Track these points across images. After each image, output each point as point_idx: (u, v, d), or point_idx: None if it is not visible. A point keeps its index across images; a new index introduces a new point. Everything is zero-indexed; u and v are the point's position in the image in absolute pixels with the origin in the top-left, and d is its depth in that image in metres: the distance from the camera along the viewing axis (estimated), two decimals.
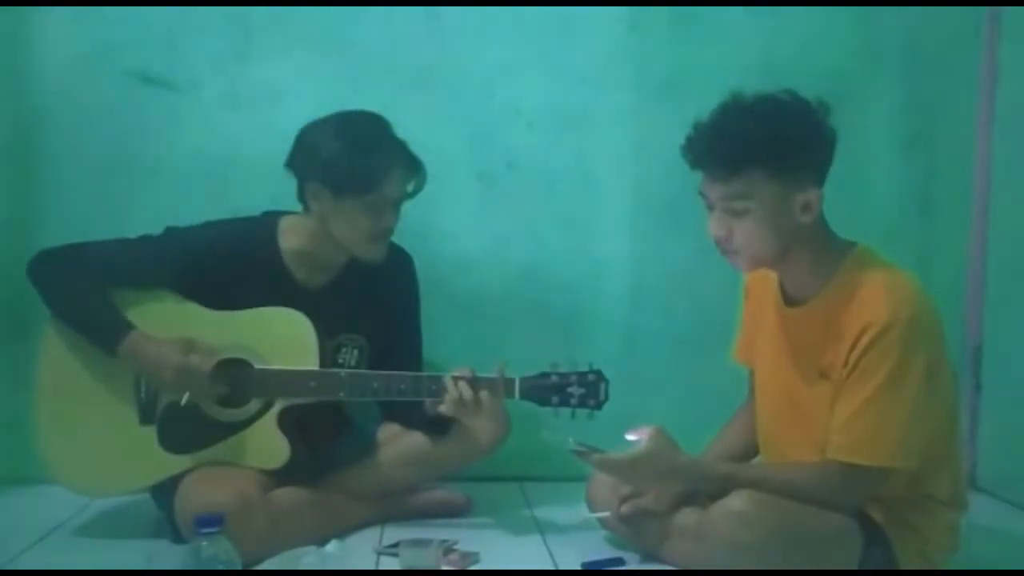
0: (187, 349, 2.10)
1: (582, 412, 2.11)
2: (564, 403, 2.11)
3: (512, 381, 2.11)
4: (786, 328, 1.97)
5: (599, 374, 2.12)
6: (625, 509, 2.07)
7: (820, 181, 1.86)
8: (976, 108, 2.75)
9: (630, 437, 1.94)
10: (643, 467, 1.93)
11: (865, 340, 1.79)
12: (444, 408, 2.10)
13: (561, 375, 2.12)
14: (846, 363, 1.82)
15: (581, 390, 2.11)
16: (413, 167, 2.22)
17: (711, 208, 1.88)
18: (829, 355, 1.86)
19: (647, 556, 2.08)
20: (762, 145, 1.79)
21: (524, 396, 2.12)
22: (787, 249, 1.87)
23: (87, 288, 2.14)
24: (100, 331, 2.13)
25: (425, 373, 2.17)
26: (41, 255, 2.19)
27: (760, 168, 1.80)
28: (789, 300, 1.97)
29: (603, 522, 2.16)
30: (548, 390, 2.11)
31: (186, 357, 2.08)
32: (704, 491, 1.99)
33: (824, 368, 1.88)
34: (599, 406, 2.11)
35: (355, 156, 2.14)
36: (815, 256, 1.89)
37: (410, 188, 2.24)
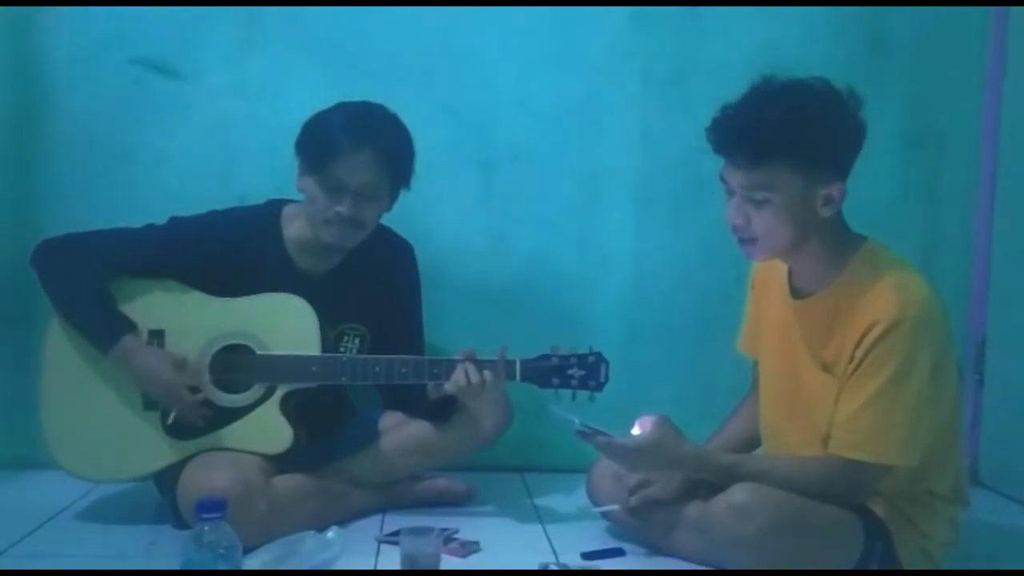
0: (179, 367, 2.10)
1: (582, 395, 2.11)
2: (564, 385, 2.11)
3: (513, 363, 2.12)
4: (792, 319, 1.96)
5: (599, 356, 2.12)
6: (634, 501, 2.05)
7: (844, 175, 1.85)
8: (982, 103, 2.74)
9: (635, 431, 1.94)
10: (647, 454, 1.93)
11: (872, 336, 1.78)
12: (448, 387, 2.10)
13: (561, 357, 2.12)
14: (851, 358, 1.82)
15: (581, 372, 2.11)
16: (383, 161, 2.15)
17: (731, 194, 1.87)
18: (834, 348, 1.86)
19: (654, 549, 2.07)
20: (790, 138, 1.78)
21: (525, 378, 2.12)
22: (803, 241, 1.86)
23: (86, 283, 2.15)
24: (95, 331, 2.14)
25: (426, 358, 2.17)
26: (44, 244, 2.20)
27: (785, 161, 1.79)
28: (796, 292, 1.96)
29: (610, 515, 2.15)
30: (548, 372, 2.12)
31: (176, 376, 2.09)
32: (707, 481, 1.98)
33: (828, 361, 1.88)
34: (599, 388, 2.11)
35: (316, 133, 2.16)
36: (828, 249, 1.88)
37: (368, 179, 2.14)
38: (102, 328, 2.13)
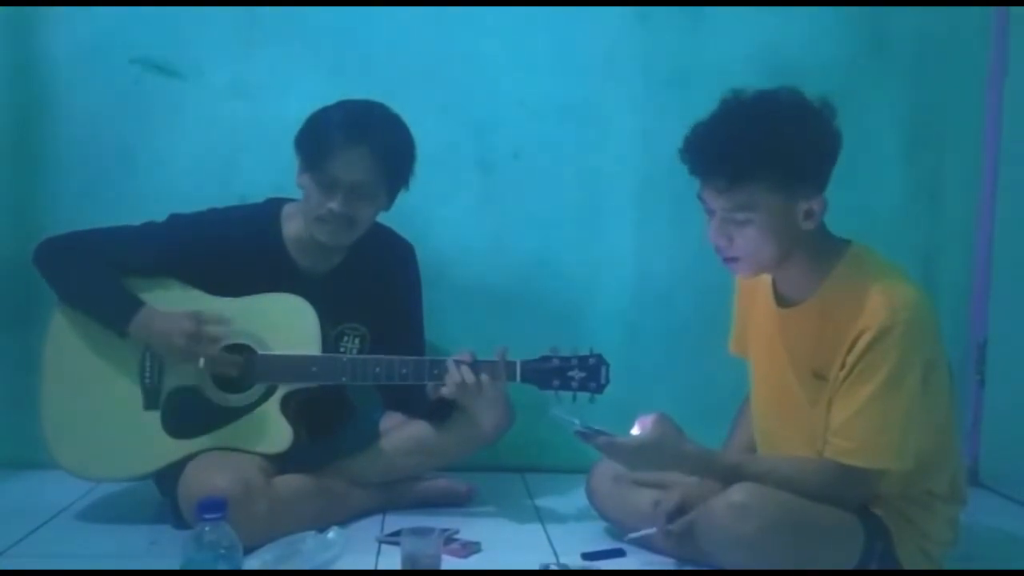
0: (198, 318, 2.11)
1: (583, 396, 2.11)
2: (565, 386, 2.12)
3: (513, 364, 2.12)
4: (779, 328, 1.96)
5: (600, 358, 2.13)
6: (677, 528, 1.98)
7: (823, 187, 1.84)
8: (984, 104, 2.74)
9: (635, 432, 1.94)
10: (647, 453, 1.92)
11: (863, 343, 1.78)
12: (446, 391, 2.10)
13: (562, 359, 2.12)
14: (843, 365, 1.82)
15: (582, 374, 2.12)
16: (379, 160, 2.14)
17: (711, 214, 1.86)
18: (824, 356, 1.86)
19: (685, 561, 2.04)
20: (768, 159, 1.77)
21: (525, 379, 2.13)
22: (788, 255, 1.86)
23: (94, 270, 2.15)
24: (110, 310, 2.14)
25: (426, 358, 2.17)
26: (46, 242, 2.21)
27: (765, 181, 1.78)
28: (782, 300, 1.96)
29: (646, 539, 2.06)
30: (549, 373, 2.12)
31: (199, 326, 2.09)
32: (713, 481, 1.96)
33: (819, 368, 1.87)
34: (600, 389, 2.12)
35: (314, 130, 2.16)
36: (812, 258, 1.88)
37: (362, 177, 2.14)
38: (116, 308, 2.13)
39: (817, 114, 1.81)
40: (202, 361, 2.10)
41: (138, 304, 2.12)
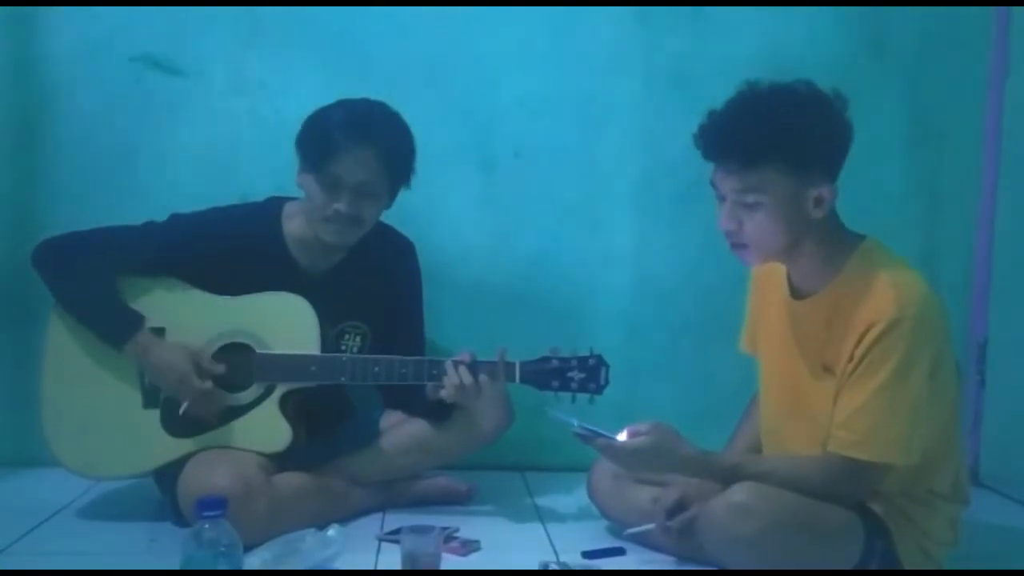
0: (195, 359, 2.11)
1: (582, 397, 2.11)
2: (564, 387, 2.11)
3: (512, 365, 2.12)
4: (792, 321, 1.96)
5: (600, 359, 2.13)
6: (676, 525, 2.00)
7: (834, 176, 1.85)
8: (985, 102, 2.74)
9: (621, 437, 1.94)
10: (645, 456, 1.92)
11: (871, 336, 1.78)
12: (445, 393, 2.10)
13: (562, 359, 2.12)
14: (851, 358, 1.82)
15: (582, 375, 2.11)
16: (383, 159, 2.15)
17: (722, 200, 1.87)
18: (834, 349, 1.86)
19: (685, 559, 2.04)
20: (779, 140, 1.79)
21: (524, 380, 2.13)
22: (797, 243, 1.87)
23: (93, 280, 2.15)
24: (107, 327, 2.14)
25: (426, 358, 2.18)
26: (45, 243, 2.20)
27: (775, 162, 1.80)
28: (795, 292, 1.96)
29: (644, 535, 2.08)
30: (548, 374, 2.12)
31: (192, 367, 2.10)
32: (713, 483, 1.95)
33: (828, 362, 1.88)
34: (600, 390, 2.12)
35: (315, 131, 2.16)
36: (824, 249, 1.88)
37: (367, 177, 2.14)
38: (115, 324, 2.13)
39: (829, 103, 1.83)
40: (184, 406, 2.11)
41: (137, 323, 2.12)
